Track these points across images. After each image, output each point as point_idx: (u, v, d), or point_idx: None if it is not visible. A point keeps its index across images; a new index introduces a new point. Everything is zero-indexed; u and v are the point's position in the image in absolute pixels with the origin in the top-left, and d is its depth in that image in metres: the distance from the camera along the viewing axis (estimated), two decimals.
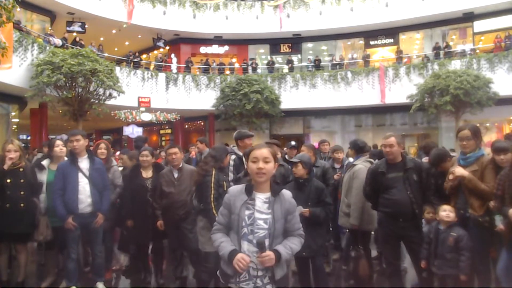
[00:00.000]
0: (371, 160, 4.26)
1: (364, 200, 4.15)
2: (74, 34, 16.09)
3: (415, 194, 3.60)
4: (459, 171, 3.32)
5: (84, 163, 4.13)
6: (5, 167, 3.95)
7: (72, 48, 13.68)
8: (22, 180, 4.04)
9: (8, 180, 3.97)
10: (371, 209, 4.08)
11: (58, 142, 4.41)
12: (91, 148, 4.90)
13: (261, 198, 2.13)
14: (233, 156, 4.43)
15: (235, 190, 2.22)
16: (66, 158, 4.43)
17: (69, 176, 4.01)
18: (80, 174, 4.06)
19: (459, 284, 3.32)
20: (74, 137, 4.08)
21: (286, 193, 2.19)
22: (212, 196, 3.74)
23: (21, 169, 4.07)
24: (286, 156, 5.37)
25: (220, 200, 3.69)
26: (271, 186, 2.13)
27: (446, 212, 3.43)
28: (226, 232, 2.20)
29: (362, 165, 4.28)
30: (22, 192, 4.01)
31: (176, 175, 4.36)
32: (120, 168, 5.33)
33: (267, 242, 2.06)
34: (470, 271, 3.31)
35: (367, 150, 4.48)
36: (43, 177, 4.30)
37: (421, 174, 3.67)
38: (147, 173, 4.64)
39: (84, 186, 4.05)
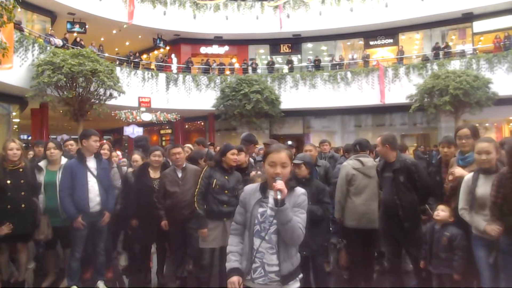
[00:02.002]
0: (361, 159, 4.26)
1: (343, 194, 4.19)
2: (75, 34, 16.12)
3: (400, 195, 3.62)
4: (459, 171, 3.33)
5: (91, 163, 4.17)
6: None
7: (73, 48, 13.71)
8: (22, 181, 4.04)
9: (9, 181, 3.96)
10: (352, 205, 4.12)
11: (50, 145, 4.37)
12: None
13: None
14: None
15: (250, 188, 2.29)
16: (64, 159, 4.44)
17: (78, 175, 4.03)
18: (88, 174, 4.09)
19: (456, 284, 3.35)
20: (97, 137, 4.19)
21: (299, 189, 2.23)
22: (197, 190, 3.88)
23: (21, 170, 4.07)
24: None
25: (208, 196, 3.79)
26: (285, 184, 2.11)
27: (438, 211, 3.46)
28: (242, 231, 2.25)
29: (346, 163, 4.36)
30: (22, 193, 4.00)
31: (180, 175, 4.34)
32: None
33: (275, 238, 2.12)
34: (465, 270, 3.32)
35: (355, 149, 4.48)
36: (40, 178, 4.30)
37: (410, 175, 3.63)
38: (155, 174, 4.58)
39: (93, 185, 4.09)
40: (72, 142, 5.29)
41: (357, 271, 4.33)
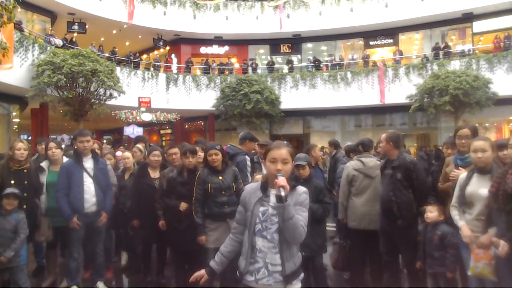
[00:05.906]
0: (362, 159, 4.28)
1: (345, 195, 4.24)
2: (75, 34, 16.13)
3: (396, 192, 3.62)
4: (455, 174, 3.35)
5: (88, 163, 4.15)
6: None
7: (72, 48, 13.71)
8: (25, 182, 4.04)
9: (12, 182, 3.96)
10: (353, 206, 4.16)
11: (51, 144, 4.38)
12: None
13: None
14: (247, 157, 4.48)
15: (251, 187, 2.24)
16: (66, 158, 4.43)
17: (74, 175, 4.02)
18: (85, 174, 4.07)
19: (451, 283, 3.36)
20: (85, 138, 4.11)
21: (301, 188, 2.17)
22: (193, 198, 3.75)
23: (25, 170, 4.08)
24: None
25: (208, 201, 3.68)
26: (287, 181, 2.04)
27: (427, 213, 3.49)
28: (242, 230, 2.21)
29: (348, 163, 4.43)
30: (25, 194, 3.99)
31: None
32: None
33: (277, 237, 2.06)
34: (458, 268, 3.32)
35: (358, 149, 4.52)
36: (42, 178, 4.31)
37: (407, 173, 3.61)
38: (155, 173, 4.59)
39: (89, 186, 4.07)
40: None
41: (358, 271, 4.32)
